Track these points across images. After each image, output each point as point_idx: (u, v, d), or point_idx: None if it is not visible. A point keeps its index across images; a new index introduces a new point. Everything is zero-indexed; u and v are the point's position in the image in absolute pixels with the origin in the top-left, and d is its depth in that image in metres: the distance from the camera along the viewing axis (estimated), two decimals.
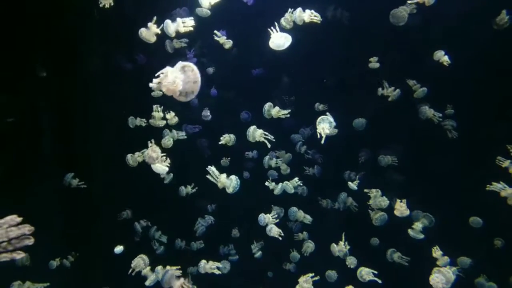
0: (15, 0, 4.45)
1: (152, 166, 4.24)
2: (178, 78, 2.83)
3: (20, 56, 4.62)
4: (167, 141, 4.84)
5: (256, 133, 4.49)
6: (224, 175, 4.14)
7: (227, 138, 4.89)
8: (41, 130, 5.01)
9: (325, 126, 4.04)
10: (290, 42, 4.05)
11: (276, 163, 5.10)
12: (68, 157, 5.19)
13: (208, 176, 4.11)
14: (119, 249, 4.69)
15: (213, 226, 5.43)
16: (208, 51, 4.95)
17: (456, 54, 4.19)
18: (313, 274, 4.49)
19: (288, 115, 4.51)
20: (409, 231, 4.51)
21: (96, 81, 4.98)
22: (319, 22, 4.00)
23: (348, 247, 4.58)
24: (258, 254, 5.29)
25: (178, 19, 3.97)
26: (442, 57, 4.18)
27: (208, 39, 4.71)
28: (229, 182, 4.13)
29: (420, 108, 4.62)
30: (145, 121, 4.91)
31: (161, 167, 4.17)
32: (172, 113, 4.82)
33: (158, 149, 4.17)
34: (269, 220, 4.68)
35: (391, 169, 4.95)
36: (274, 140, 4.47)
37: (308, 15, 4.02)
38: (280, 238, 4.51)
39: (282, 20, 4.19)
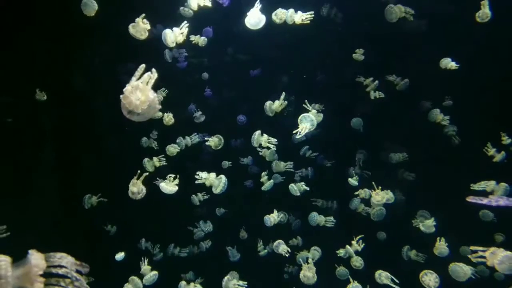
0: (16, 2, 4.58)
1: (161, 187, 4.44)
2: (145, 97, 2.86)
3: (19, 58, 4.75)
4: (172, 148, 5.02)
5: (260, 138, 4.65)
6: (213, 174, 4.30)
7: (216, 141, 5.05)
8: (40, 134, 5.16)
9: (307, 125, 4.20)
10: (264, 23, 4.25)
11: (286, 166, 5.24)
12: (69, 165, 5.33)
13: (196, 176, 4.27)
14: (120, 256, 4.89)
15: (211, 233, 5.59)
16: (200, 54, 5.07)
17: (446, 49, 4.42)
18: (313, 259, 4.76)
19: (286, 102, 4.64)
20: (421, 226, 4.71)
21: (96, 88, 5.12)
22: (308, 23, 4.18)
23: (362, 245, 4.77)
24: (263, 252, 5.47)
25: (175, 29, 4.12)
26: (448, 63, 4.38)
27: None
28: (217, 182, 4.30)
29: (431, 111, 4.83)
30: (157, 145, 5.14)
31: (168, 188, 4.35)
32: (170, 114, 5.01)
33: (139, 183, 4.34)
34: (274, 220, 4.87)
35: (390, 167, 5.13)
36: (276, 145, 4.64)
37: (299, 17, 4.16)
38: (287, 256, 4.66)
39: (273, 14, 4.38)
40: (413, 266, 4.86)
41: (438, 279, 4.21)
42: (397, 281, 4.43)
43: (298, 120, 4.34)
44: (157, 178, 4.95)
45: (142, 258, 4.95)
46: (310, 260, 4.83)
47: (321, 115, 4.48)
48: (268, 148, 4.86)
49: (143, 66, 2.79)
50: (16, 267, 1.99)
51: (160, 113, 4.94)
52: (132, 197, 4.37)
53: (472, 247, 3.50)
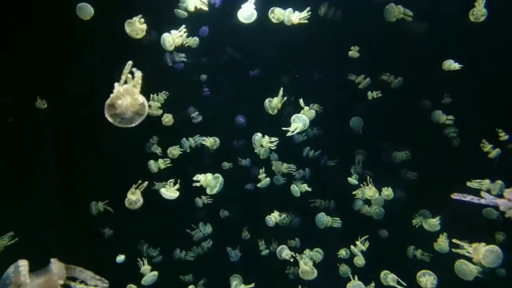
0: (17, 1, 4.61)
1: (161, 193, 4.47)
2: (134, 101, 2.82)
3: (19, 59, 4.76)
4: (175, 150, 5.05)
5: (262, 140, 4.69)
6: (210, 175, 4.34)
7: (211, 141, 5.08)
8: (41, 134, 5.18)
9: (299, 125, 4.25)
10: (255, 17, 4.33)
11: (289, 168, 5.32)
12: (70, 167, 5.36)
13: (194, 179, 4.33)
14: (120, 258, 4.93)
15: (214, 235, 5.65)
16: (196, 55, 5.12)
17: (443, 48, 4.49)
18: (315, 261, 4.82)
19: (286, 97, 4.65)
20: (424, 225, 4.76)
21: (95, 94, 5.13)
22: (306, 22, 4.22)
23: (367, 245, 4.80)
24: (265, 252, 5.54)
25: (173, 32, 4.16)
26: (451, 65, 4.45)
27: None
28: (214, 182, 4.35)
29: (434, 112, 4.91)
30: (161, 151, 5.19)
31: (169, 194, 4.37)
32: (170, 115, 5.07)
33: (138, 192, 4.35)
34: (276, 219, 4.97)
35: (389, 166, 5.18)
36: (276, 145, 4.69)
37: (296, 17, 4.20)
38: (292, 260, 4.73)
39: (269, 12, 4.43)
40: (416, 265, 4.92)
41: (435, 281, 4.23)
42: (404, 284, 4.45)
43: (291, 119, 4.40)
44: (154, 182, 5.00)
45: (142, 259, 4.98)
46: (305, 255, 4.88)
47: (313, 112, 4.52)
48: (262, 146, 4.90)
49: (130, 63, 2.70)
50: (37, 275, 2.05)
51: (160, 111, 4.98)
52: (129, 206, 4.37)
53: (454, 240, 3.59)
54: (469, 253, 3.60)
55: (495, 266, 3.61)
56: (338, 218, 5.12)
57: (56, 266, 2.07)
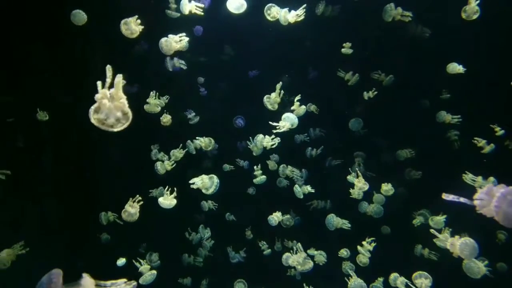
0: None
1: (159, 202, 4.50)
2: (119, 104, 2.82)
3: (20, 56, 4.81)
4: (178, 153, 5.13)
5: (263, 141, 4.70)
6: (205, 176, 4.37)
7: (206, 142, 5.10)
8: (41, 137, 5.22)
9: (287, 124, 4.28)
10: (245, 8, 4.36)
11: (292, 172, 5.36)
12: (70, 170, 5.40)
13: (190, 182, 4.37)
14: (121, 261, 4.96)
15: (216, 235, 5.71)
16: (193, 56, 5.12)
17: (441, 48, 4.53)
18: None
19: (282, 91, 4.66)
20: (430, 223, 4.77)
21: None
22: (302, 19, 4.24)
23: (373, 245, 4.81)
24: (267, 251, 5.59)
25: (171, 36, 4.18)
26: (456, 68, 4.49)
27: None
28: (210, 183, 4.37)
29: (438, 112, 4.96)
30: (167, 158, 5.22)
31: (166, 202, 4.40)
32: (169, 116, 5.11)
33: (136, 205, 4.38)
34: (278, 219, 5.05)
35: (389, 166, 5.17)
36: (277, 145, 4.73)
37: (292, 16, 4.19)
38: (299, 267, 4.76)
39: (265, 11, 4.45)
40: (422, 263, 4.96)
41: (430, 283, 4.23)
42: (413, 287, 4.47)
43: (282, 117, 4.44)
44: (150, 190, 5.01)
45: (141, 259, 5.01)
46: (298, 247, 4.90)
47: (304, 107, 4.53)
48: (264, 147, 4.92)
49: (109, 67, 2.65)
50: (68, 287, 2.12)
51: (159, 108, 5.01)
52: (126, 219, 4.40)
53: (432, 231, 3.62)
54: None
55: (474, 257, 3.68)
56: (347, 220, 5.15)
57: (86, 281, 2.15)
